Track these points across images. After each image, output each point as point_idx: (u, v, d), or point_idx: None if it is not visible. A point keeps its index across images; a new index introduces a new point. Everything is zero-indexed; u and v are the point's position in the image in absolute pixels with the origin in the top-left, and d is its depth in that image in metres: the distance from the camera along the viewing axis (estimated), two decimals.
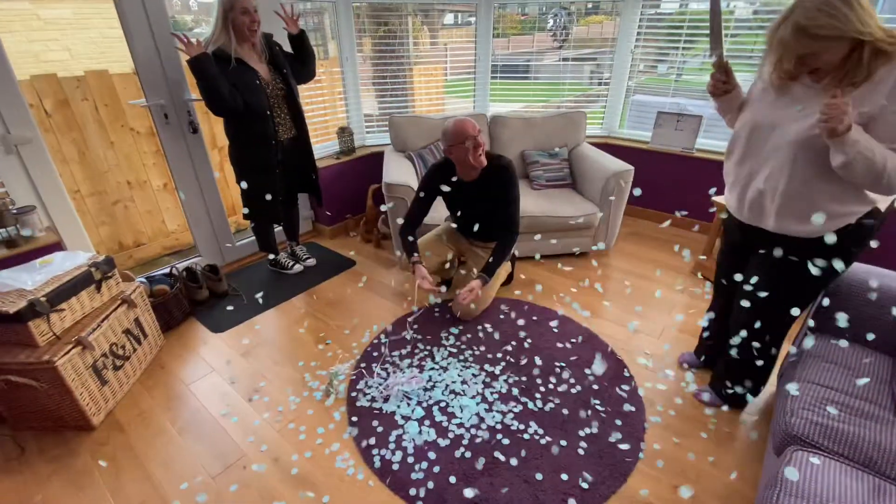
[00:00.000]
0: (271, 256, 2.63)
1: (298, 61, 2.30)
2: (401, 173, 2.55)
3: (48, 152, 1.97)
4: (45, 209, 1.99)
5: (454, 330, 2.16)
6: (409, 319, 2.25)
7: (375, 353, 2.02)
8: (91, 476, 1.51)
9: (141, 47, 2.12)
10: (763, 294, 1.37)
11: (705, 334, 1.82)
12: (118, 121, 2.75)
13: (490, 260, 2.08)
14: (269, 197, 2.18)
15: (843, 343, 1.39)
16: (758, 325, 1.44)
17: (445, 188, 1.98)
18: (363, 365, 1.96)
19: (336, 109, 3.16)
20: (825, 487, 1.03)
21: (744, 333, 1.45)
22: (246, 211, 2.30)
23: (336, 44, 2.98)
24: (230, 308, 2.39)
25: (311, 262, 2.77)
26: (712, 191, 2.19)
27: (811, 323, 1.55)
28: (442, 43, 3.48)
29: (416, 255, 2.12)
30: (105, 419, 1.73)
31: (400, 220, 2.18)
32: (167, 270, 2.37)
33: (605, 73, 3.27)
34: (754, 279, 1.39)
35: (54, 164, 2.00)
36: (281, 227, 2.73)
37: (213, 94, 1.95)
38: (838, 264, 1.25)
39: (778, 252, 1.32)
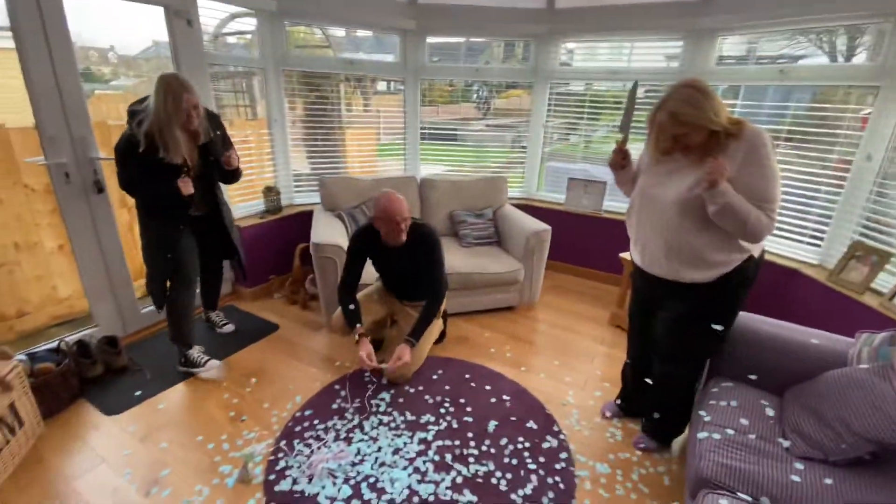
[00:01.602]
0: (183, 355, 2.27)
1: (224, 175, 2.16)
2: (330, 232, 2.53)
3: None
4: None
5: (385, 395, 2.08)
6: (337, 386, 2.14)
7: (298, 428, 1.88)
8: None
9: (44, 100, 1.97)
10: (670, 344, 1.60)
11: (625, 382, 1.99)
12: (10, 177, 2.47)
13: (417, 322, 2.10)
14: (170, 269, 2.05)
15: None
16: (672, 368, 1.66)
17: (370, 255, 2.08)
18: (283, 442, 1.80)
19: (263, 168, 3.11)
20: None
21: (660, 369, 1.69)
22: (152, 295, 2.11)
23: (265, 105, 3.00)
24: (129, 385, 2.11)
25: (230, 328, 2.60)
26: (623, 253, 2.42)
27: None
28: (375, 108, 3.64)
29: (359, 325, 2.07)
30: None
31: (322, 286, 2.15)
32: (55, 345, 2.07)
33: (524, 141, 3.59)
34: (662, 331, 1.63)
35: None
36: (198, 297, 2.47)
37: (149, 198, 1.95)
38: (717, 326, 1.53)
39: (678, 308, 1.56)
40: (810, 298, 2.34)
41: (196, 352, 2.25)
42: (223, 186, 2.26)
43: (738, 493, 1.23)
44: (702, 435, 1.43)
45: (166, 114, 1.80)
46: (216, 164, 2.08)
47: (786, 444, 1.37)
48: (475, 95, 4.13)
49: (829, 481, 1.22)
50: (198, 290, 2.28)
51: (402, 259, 2.10)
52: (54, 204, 2.64)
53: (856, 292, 2.10)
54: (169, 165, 1.87)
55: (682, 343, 1.61)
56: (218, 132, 2.08)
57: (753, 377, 1.62)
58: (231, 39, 3.03)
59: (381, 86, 3.79)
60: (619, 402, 2.02)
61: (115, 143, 1.87)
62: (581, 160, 3.51)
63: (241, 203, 2.99)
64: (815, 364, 1.52)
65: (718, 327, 1.53)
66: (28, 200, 2.58)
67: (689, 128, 1.34)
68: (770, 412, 1.51)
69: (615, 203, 3.32)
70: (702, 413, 1.53)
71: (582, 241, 3.40)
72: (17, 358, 1.84)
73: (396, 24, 3.07)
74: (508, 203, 3.29)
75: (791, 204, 2.51)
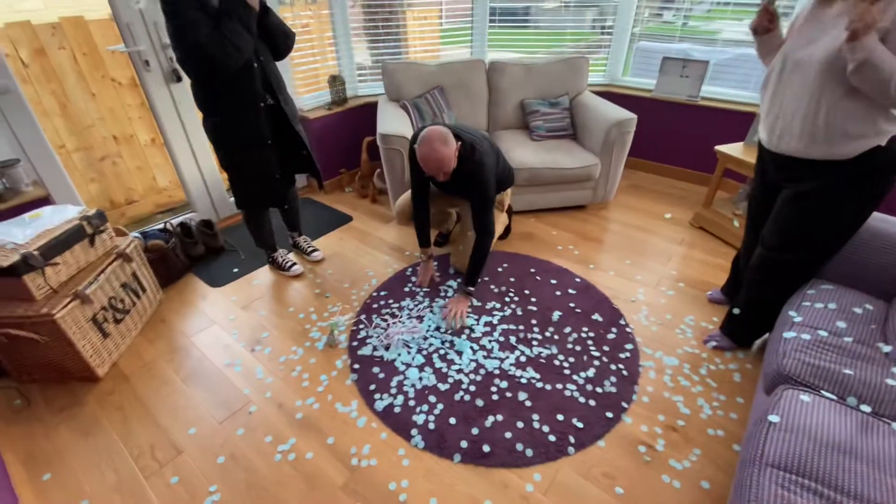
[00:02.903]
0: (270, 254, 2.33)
1: (271, 41, 1.80)
2: (396, 124, 2.47)
3: (28, 104, 1.88)
4: (30, 163, 1.93)
5: (452, 283, 2.17)
6: (409, 272, 2.26)
7: (375, 306, 2.04)
8: (100, 424, 1.55)
9: None
10: (786, 223, 1.45)
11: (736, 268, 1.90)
12: (98, 71, 2.62)
13: (469, 269, 1.97)
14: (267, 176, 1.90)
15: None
16: (779, 254, 1.51)
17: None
18: (363, 316, 1.98)
19: (326, 57, 3.01)
20: (814, 423, 1.06)
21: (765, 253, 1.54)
22: (236, 199, 2.03)
23: None
24: (227, 263, 2.38)
25: (318, 255, 2.39)
26: (719, 146, 2.13)
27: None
28: None
29: (429, 248, 2.10)
30: (110, 370, 1.76)
31: (391, 180, 2.11)
32: (161, 226, 2.34)
33: (608, 20, 3.10)
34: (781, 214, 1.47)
35: (35, 117, 1.92)
36: (280, 215, 2.33)
37: (235, 46, 1.57)
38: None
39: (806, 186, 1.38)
40: None
41: (281, 255, 2.32)
42: (288, 81, 2.02)
43: (823, 391, 1.17)
44: (789, 334, 1.34)
45: None
46: (268, 37, 1.77)
47: (886, 349, 1.25)
48: None
49: None
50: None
51: (452, 188, 1.96)
52: (141, 97, 2.79)
53: None
54: (244, 19, 1.59)
55: (797, 224, 1.42)
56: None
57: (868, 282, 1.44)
58: None
59: None
60: (723, 290, 1.99)
61: None
62: (679, 40, 2.99)
63: (307, 94, 2.97)
64: None
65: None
66: (118, 94, 2.74)
67: None
68: (874, 317, 1.37)
69: (716, 88, 2.86)
70: (791, 314, 1.42)
71: (670, 135, 3.04)
72: (132, 235, 2.11)
73: None
74: (588, 90, 2.96)
75: None
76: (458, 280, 2.19)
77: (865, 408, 1.12)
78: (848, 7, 1.20)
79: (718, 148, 2.35)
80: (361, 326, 1.92)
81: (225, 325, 1.99)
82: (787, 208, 1.44)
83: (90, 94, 2.63)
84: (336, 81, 2.93)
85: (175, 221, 2.37)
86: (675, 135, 3.03)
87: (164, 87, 2.27)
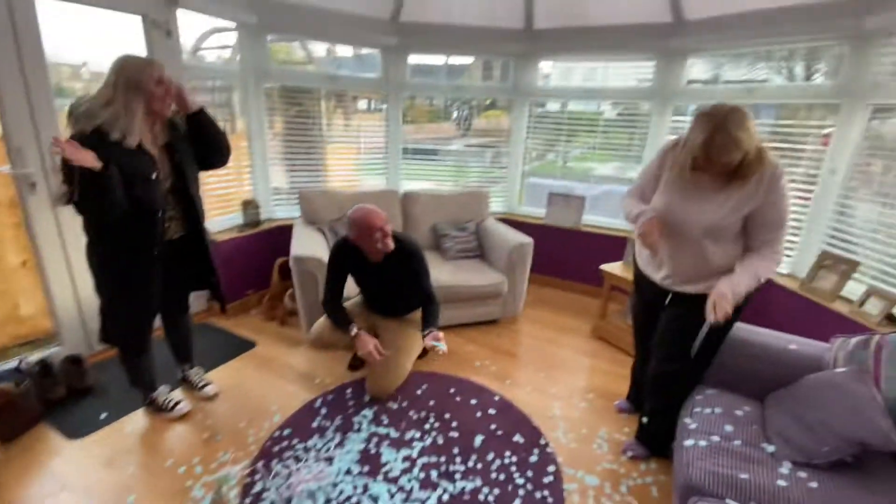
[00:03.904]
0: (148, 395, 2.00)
1: (203, 144, 1.75)
2: (311, 245, 2.49)
3: None
4: None
5: (367, 412, 2.02)
6: (317, 404, 2.07)
7: (276, 448, 1.79)
8: None
9: (13, 114, 1.90)
10: (672, 340, 1.66)
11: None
12: None
13: (426, 318, 2.05)
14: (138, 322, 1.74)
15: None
16: (670, 366, 1.68)
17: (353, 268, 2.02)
18: (261, 463, 1.72)
19: (242, 182, 3.06)
20: None
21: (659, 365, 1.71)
22: (104, 334, 1.76)
23: (244, 121, 2.97)
24: (95, 407, 1.99)
25: (211, 389, 2.10)
26: (603, 265, 2.45)
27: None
28: (356, 125, 3.66)
29: (353, 325, 2.04)
30: None
31: (303, 301, 2.08)
32: (15, 364, 1.95)
33: (504, 159, 3.65)
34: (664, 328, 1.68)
35: None
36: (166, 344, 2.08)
37: (106, 208, 1.45)
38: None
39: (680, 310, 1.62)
40: (785, 306, 2.41)
41: (162, 395, 1.99)
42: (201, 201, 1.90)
43: (727, 500, 1.22)
44: (688, 443, 1.43)
45: (126, 88, 1.48)
46: (196, 155, 1.76)
47: (770, 448, 1.38)
48: (455, 115, 4.21)
49: (813, 485, 1.23)
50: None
51: (386, 272, 2.07)
52: (18, 217, 2.53)
53: (826, 300, 2.17)
54: (131, 168, 1.50)
55: (682, 340, 1.62)
56: (181, 131, 1.73)
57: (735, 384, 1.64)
58: (210, 55, 3.01)
59: (362, 104, 3.81)
60: (629, 399, 2.10)
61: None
62: (560, 177, 3.57)
63: (218, 217, 2.92)
64: (794, 369, 1.55)
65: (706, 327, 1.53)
66: None
67: (741, 152, 1.33)
68: (753, 418, 1.52)
69: (594, 217, 3.38)
70: (687, 421, 1.53)
71: (564, 255, 3.44)
72: None
73: (378, 41, 3.11)
74: (491, 217, 3.31)
75: None
76: (375, 408, 2.05)
77: None
78: (708, 186, 1.47)
79: (602, 267, 2.68)
80: (258, 477, 1.65)
81: (79, 489, 1.59)
82: (670, 326, 1.65)
83: None
84: (250, 205, 2.95)
85: (33, 359, 1.99)
86: (567, 255, 3.43)
87: (48, 211, 2.10)
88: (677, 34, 2.75)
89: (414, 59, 3.36)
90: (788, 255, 2.54)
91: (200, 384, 2.12)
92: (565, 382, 2.33)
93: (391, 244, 1.97)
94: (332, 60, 3.49)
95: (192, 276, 1.90)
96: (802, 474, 1.27)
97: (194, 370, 2.18)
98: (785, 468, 1.29)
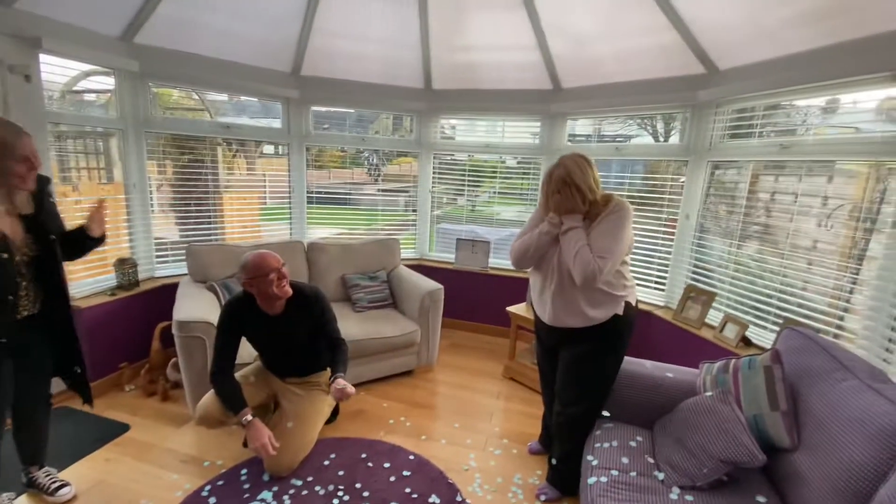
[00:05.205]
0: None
1: (73, 249, 1.65)
2: (198, 306, 2.25)
3: None
4: None
5: (266, 495, 1.80)
6: (205, 492, 1.80)
7: None
8: None
9: None
10: (568, 384, 1.76)
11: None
12: None
13: (337, 365, 1.94)
14: None
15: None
16: (570, 410, 1.78)
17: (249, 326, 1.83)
18: None
19: (118, 238, 2.71)
20: None
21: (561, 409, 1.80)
22: None
23: (122, 169, 2.68)
24: None
25: (67, 492, 1.75)
26: (510, 307, 2.55)
27: (606, 413, 1.82)
28: (261, 171, 3.50)
29: (246, 409, 1.82)
30: None
31: (188, 371, 1.85)
32: None
33: (415, 205, 3.72)
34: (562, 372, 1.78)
35: None
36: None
37: None
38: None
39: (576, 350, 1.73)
40: (662, 336, 2.69)
41: (42, 476, 1.76)
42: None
43: None
44: (591, 480, 1.48)
45: None
46: (74, 238, 1.62)
47: (661, 476, 1.48)
48: (366, 161, 4.24)
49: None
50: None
51: (288, 325, 1.93)
52: None
53: (695, 328, 2.47)
54: None
55: (578, 383, 1.73)
56: (51, 199, 1.62)
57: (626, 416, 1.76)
58: (89, 96, 2.73)
59: (269, 149, 3.69)
60: (540, 440, 2.15)
61: None
62: (467, 222, 3.73)
63: (86, 279, 2.53)
64: (673, 396, 1.72)
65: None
66: None
67: (575, 187, 1.59)
68: (645, 447, 1.63)
69: (499, 260, 3.55)
70: (589, 458, 1.60)
71: (475, 298, 3.53)
72: None
73: (279, 93, 3.06)
74: (402, 264, 3.30)
75: (639, 256, 2.94)
76: (275, 488, 1.83)
77: None
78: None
79: (509, 308, 2.80)
80: None
81: None
82: (568, 372, 1.75)
83: None
84: (125, 264, 2.61)
85: None
86: (477, 298, 3.53)
87: None
88: (557, 100, 3.11)
89: (318, 108, 3.36)
90: (662, 290, 2.87)
91: (52, 486, 1.74)
92: (480, 430, 2.32)
93: (289, 289, 1.87)
94: (233, 105, 3.34)
95: (49, 360, 1.66)
96: (689, 497, 1.38)
97: (44, 471, 1.78)
98: (674, 493, 1.39)
